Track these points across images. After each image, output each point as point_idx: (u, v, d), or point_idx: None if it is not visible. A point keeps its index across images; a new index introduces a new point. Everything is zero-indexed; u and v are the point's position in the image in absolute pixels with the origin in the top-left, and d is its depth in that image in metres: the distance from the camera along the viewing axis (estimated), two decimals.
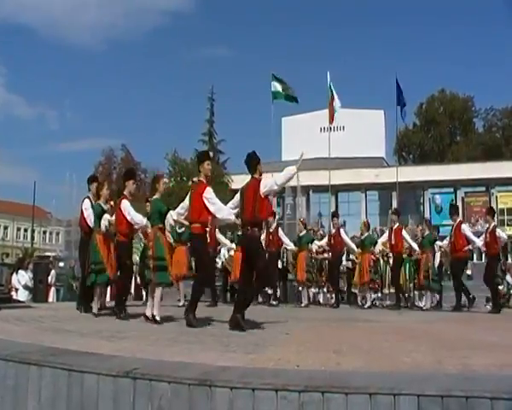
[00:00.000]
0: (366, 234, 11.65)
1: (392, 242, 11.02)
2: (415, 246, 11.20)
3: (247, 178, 6.57)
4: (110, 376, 3.45)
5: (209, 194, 6.55)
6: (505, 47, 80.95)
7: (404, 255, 11.50)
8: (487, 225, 10.98)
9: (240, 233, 8.78)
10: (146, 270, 6.90)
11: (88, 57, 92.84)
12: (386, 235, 11.66)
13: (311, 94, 67.54)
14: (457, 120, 58.61)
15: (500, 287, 13.93)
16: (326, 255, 12.23)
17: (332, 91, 17.84)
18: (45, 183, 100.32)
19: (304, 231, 11.95)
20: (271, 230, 11.20)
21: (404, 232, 11.08)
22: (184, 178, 28.02)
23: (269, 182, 6.31)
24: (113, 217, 7.54)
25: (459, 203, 36.10)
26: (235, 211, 6.73)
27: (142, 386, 3.33)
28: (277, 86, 18.59)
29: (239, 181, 32.71)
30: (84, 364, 3.64)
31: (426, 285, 11.12)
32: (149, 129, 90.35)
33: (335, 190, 38.85)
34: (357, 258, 11.91)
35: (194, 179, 7.07)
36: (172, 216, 6.94)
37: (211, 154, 7.82)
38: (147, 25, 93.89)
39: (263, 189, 6.18)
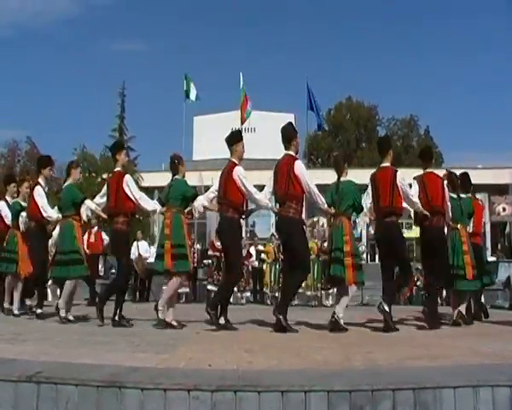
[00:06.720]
0: None
1: None
2: None
3: (159, 175, 6.42)
4: (9, 381, 3.22)
5: (241, 175, 5.87)
6: (408, 60, 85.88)
7: (313, 256, 11.81)
8: None
9: None
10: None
11: None
12: None
13: (224, 94, 67.76)
14: (363, 127, 61.37)
15: None
16: None
17: (245, 93, 18.07)
18: None
19: None
20: None
21: None
22: (93, 174, 26.88)
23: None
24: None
25: None
26: (270, 195, 6.14)
27: (47, 390, 3.15)
28: (188, 85, 18.55)
29: (149, 179, 32.15)
30: None
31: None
32: (57, 123, 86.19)
33: None
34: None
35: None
36: (202, 202, 6.23)
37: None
38: (57, 13, 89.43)
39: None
